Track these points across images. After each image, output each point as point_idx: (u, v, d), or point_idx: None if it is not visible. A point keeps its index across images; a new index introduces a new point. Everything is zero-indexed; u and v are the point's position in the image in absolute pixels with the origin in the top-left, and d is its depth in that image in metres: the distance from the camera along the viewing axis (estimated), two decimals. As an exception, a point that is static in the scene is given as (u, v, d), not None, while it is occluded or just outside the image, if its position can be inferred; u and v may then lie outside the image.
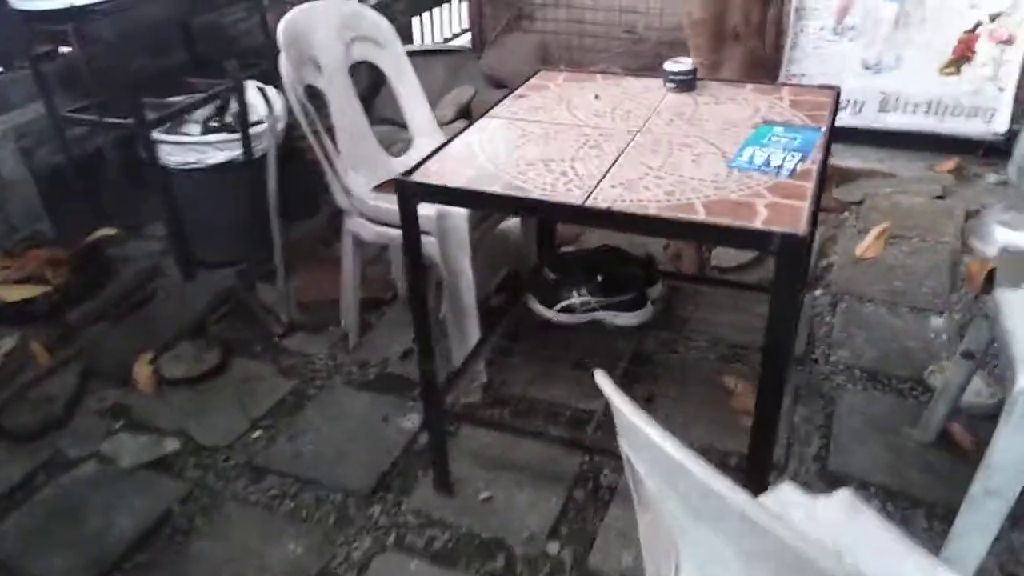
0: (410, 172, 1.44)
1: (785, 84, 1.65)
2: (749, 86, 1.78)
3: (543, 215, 1.61)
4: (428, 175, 1.43)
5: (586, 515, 1.81)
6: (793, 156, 1.38)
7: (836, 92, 1.70)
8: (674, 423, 2.03)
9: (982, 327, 1.70)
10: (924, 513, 1.77)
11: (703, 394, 2.12)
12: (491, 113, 1.71)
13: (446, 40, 4.87)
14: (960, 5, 3.14)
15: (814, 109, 1.61)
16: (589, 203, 1.26)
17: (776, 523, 0.53)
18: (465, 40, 4.75)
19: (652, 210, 1.22)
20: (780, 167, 1.34)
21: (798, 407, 2.08)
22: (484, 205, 1.70)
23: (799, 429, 2.02)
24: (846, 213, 3.03)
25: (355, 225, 2.18)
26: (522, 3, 3.99)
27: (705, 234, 1.30)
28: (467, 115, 3.48)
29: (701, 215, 1.20)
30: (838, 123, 3.53)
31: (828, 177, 3.24)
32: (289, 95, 1.99)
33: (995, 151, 3.39)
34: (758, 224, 1.17)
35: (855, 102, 3.46)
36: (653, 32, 3.87)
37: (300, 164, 2.82)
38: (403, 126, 2.50)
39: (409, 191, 1.41)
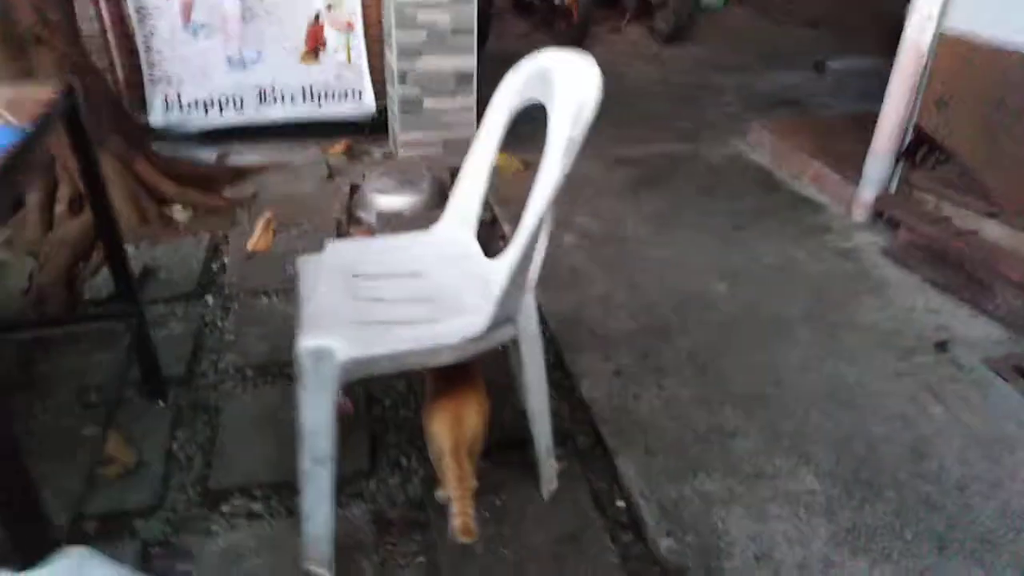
0: None
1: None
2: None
3: None
4: None
5: None
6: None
7: (60, 88, 1.48)
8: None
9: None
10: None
11: (65, 457, 1.77)
12: None
13: None
14: (296, -3, 3.30)
15: (34, 108, 1.37)
16: None
17: None
18: None
19: None
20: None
21: (178, 433, 1.89)
22: None
23: (178, 456, 1.83)
24: (239, 211, 2.95)
25: None
26: None
27: None
28: None
29: None
30: (224, 122, 3.54)
31: (215, 177, 3.13)
32: None
33: (381, 128, 3.70)
34: None
35: (233, 99, 3.41)
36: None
37: None
38: None
39: None
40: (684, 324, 2.33)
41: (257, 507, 1.71)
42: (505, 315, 1.42)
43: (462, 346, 1.39)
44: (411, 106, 3.33)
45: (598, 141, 1.45)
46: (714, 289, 2.52)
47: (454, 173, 3.39)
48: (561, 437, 1.88)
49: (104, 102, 2.74)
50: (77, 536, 1.62)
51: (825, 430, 1.92)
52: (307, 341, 1.37)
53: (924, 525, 1.66)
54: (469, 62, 3.27)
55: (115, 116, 2.79)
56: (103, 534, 1.64)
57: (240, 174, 3.20)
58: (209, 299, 2.43)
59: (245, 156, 3.47)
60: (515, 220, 2.96)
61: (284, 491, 1.72)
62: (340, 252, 1.70)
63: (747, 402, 2.00)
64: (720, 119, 4.20)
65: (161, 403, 1.97)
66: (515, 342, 1.51)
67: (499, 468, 1.79)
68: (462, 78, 3.30)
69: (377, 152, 3.62)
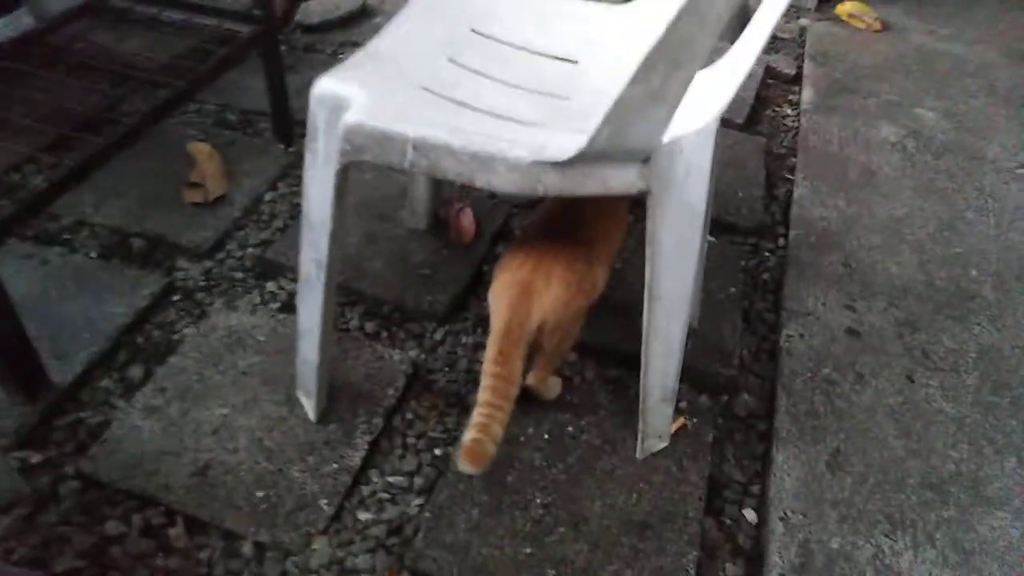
0: None
1: None
2: None
3: None
4: None
5: None
6: None
7: None
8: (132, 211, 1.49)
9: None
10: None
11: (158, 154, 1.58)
12: None
13: None
14: None
15: None
16: None
17: None
18: None
19: None
20: None
21: (279, 184, 1.59)
22: None
23: (262, 211, 1.54)
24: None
25: None
26: None
27: None
28: None
29: None
30: None
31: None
32: None
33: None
34: None
35: None
36: None
37: None
38: None
39: None
40: (1002, 312, 1.44)
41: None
42: (622, 144, 0.79)
43: (526, 170, 0.81)
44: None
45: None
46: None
47: None
48: (713, 383, 1.25)
49: None
50: (117, 249, 1.43)
51: None
52: (325, 81, 0.90)
53: None
54: None
55: None
56: (142, 254, 1.43)
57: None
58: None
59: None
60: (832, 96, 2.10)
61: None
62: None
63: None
64: None
65: (285, 147, 1.68)
66: (645, 201, 0.88)
67: (606, 378, 1.23)
68: None
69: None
